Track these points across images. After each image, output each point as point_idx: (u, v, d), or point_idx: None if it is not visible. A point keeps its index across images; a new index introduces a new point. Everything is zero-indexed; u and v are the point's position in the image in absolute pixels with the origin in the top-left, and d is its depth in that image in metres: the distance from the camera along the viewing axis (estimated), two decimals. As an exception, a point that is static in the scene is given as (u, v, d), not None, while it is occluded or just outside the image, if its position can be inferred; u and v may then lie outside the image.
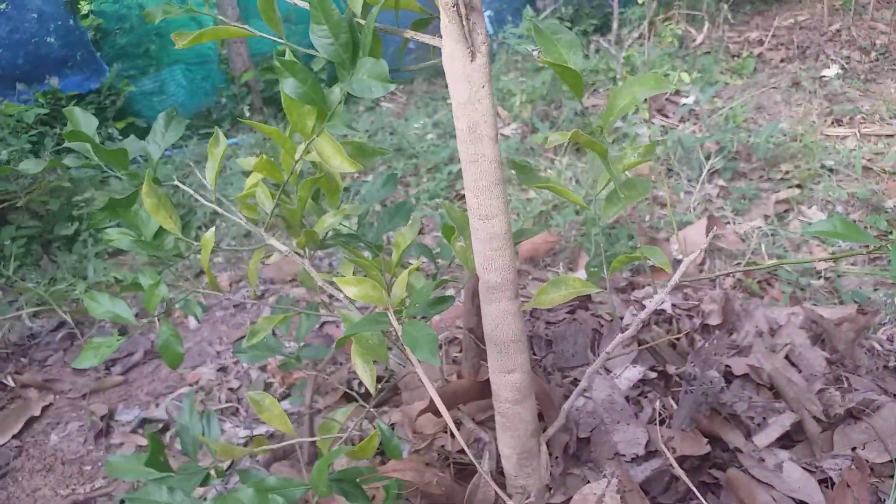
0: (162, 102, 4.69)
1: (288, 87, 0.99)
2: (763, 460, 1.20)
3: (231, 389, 1.92)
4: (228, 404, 1.86)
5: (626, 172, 1.05)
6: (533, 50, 0.87)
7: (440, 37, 0.94)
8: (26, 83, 4.08)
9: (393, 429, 1.34)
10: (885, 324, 1.84)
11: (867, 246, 2.33)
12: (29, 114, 3.28)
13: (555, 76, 3.99)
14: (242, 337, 2.21)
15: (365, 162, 1.09)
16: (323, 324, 2.17)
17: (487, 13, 6.02)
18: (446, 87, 5.45)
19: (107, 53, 4.51)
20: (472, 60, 0.91)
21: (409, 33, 0.99)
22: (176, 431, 1.08)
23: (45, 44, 4.31)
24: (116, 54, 4.54)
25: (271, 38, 1.12)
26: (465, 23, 0.89)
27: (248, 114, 4.72)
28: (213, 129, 4.19)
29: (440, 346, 1.69)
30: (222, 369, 2.05)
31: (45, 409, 2.01)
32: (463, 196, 3.17)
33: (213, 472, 1.04)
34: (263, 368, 2.00)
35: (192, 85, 4.78)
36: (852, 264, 2.22)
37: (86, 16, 4.46)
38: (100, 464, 1.78)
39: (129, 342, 2.23)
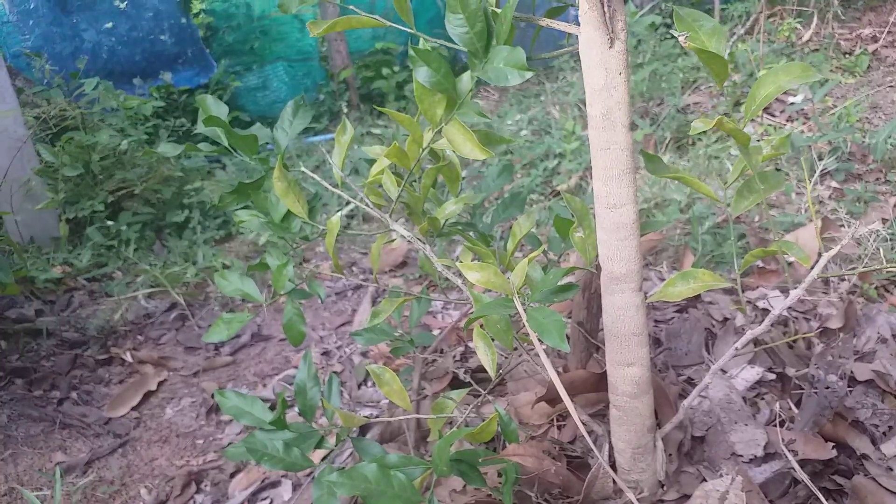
0: (265, 97, 4.87)
1: (421, 75, 1.01)
2: (892, 469, 1.14)
3: (335, 372, 1.97)
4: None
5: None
6: (679, 35, 0.86)
7: (577, 24, 0.94)
8: (142, 78, 4.32)
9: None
10: None
11: None
12: (147, 106, 3.46)
13: (654, 72, 3.91)
14: (346, 323, 2.27)
15: (492, 149, 1.10)
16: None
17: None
18: (539, 83, 5.42)
19: (215, 50, 4.72)
20: (610, 47, 0.91)
21: (545, 21, 1.00)
22: (294, 391, 1.12)
23: (159, 41, 4.55)
24: (224, 51, 4.75)
25: (402, 27, 1.15)
26: (605, 9, 0.88)
27: (345, 110, 4.84)
28: (313, 124, 4.31)
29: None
30: (326, 353, 2.11)
31: (160, 384, 2.13)
32: (557, 193, 3.15)
33: (331, 436, 1.07)
34: (365, 355, 2.05)
35: (294, 81, 4.94)
36: (983, 273, 2.08)
37: (197, 14, 4.68)
38: (211, 438, 1.87)
39: (237, 324, 2.32)
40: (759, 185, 0.96)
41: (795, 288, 1.88)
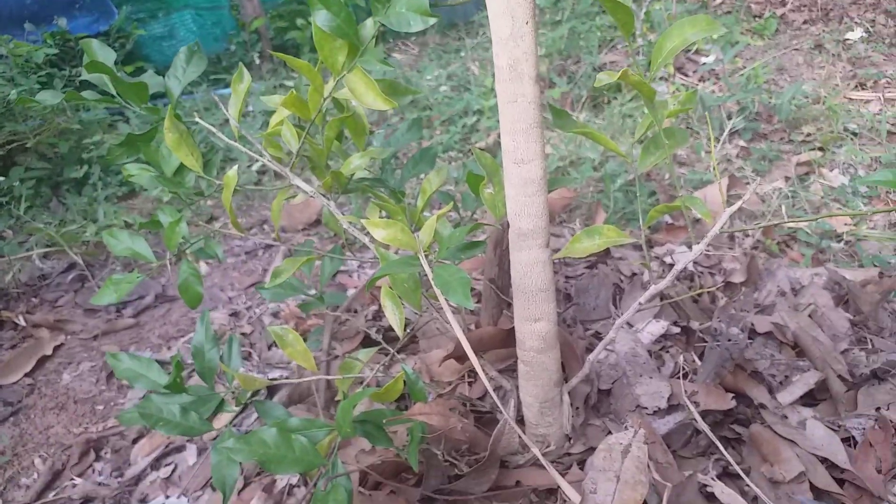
0: (171, 47, 4.61)
1: (320, 19, 0.95)
2: (786, 417, 1.19)
3: (244, 334, 1.91)
4: (241, 349, 1.86)
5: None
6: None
7: (482, -32, 0.90)
8: (34, 24, 4.00)
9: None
10: (906, 290, 1.82)
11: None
12: (38, 53, 3.21)
13: (572, 30, 3.91)
14: (256, 283, 2.20)
15: (396, 99, 1.05)
16: (336, 273, 2.16)
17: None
18: (460, 38, 5.34)
19: (116, -5, 4.42)
20: (515, -6, 0.87)
21: (449, -36, 0.95)
22: (191, 353, 1.07)
23: (52, -17, 4.23)
24: (125, -3, 4.45)
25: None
26: (510, -47, 0.84)
27: (258, 62, 4.64)
28: (222, 75, 4.11)
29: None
30: (234, 314, 2.04)
31: (56, 349, 2.01)
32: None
33: (230, 399, 1.03)
34: (276, 315, 1.99)
35: (203, 30, 4.70)
36: (872, 228, 2.19)
37: (95, -45, 4.35)
38: (112, 403, 1.78)
39: (140, 285, 2.21)
40: (664, 140, 0.96)
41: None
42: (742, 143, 2.76)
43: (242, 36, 4.70)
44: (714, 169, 0.99)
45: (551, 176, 2.64)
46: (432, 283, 0.89)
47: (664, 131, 1.01)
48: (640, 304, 0.99)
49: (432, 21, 0.89)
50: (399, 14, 0.92)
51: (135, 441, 1.61)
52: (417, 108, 3.63)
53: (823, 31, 4.66)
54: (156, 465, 1.51)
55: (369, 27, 0.99)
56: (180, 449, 1.54)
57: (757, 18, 5.04)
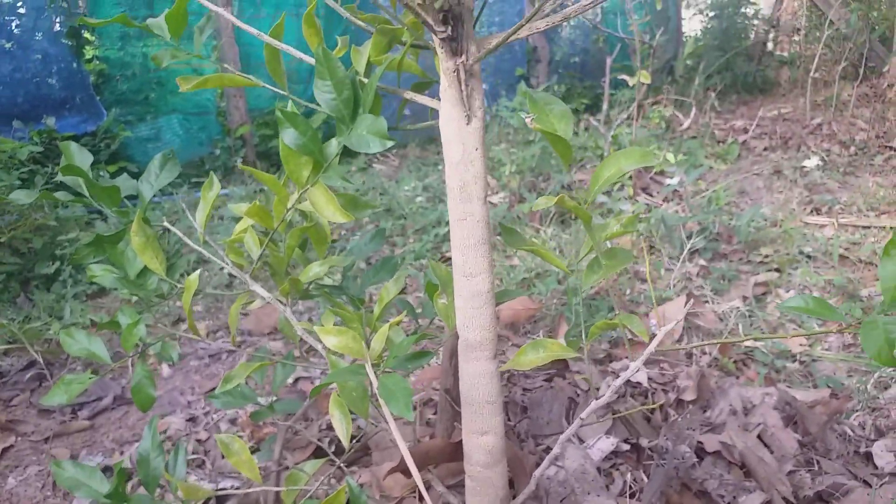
0: (156, 149, 4.74)
1: (287, 137, 1.01)
2: (734, 539, 1.19)
3: (199, 441, 1.88)
4: (195, 456, 1.82)
5: (608, 242, 1.08)
6: (526, 117, 0.91)
7: (439, 100, 0.97)
8: (24, 121, 4.12)
9: (363, 490, 1.32)
10: (857, 410, 1.85)
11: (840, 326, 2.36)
12: (22, 150, 3.30)
13: (544, 149, 4.09)
14: (216, 387, 2.18)
15: (356, 213, 1.11)
16: (297, 379, 2.15)
17: (483, 86, 6.20)
18: (438, 153, 5.59)
19: (107, 98, 4.57)
20: (467, 124, 0.94)
21: (409, 94, 1.03)
22: (136, 461, 1.05)
23: (46, 84, 4.38)
24: (116, 99, 4.61)
25: (274, 89, 1.16)
26: (463, 88, 0.92)
27: (240, 166, 4.78)
28: (204, 178, 4.24)
29: (415, 407, 1.68)
30: (192, 419, 2.01)
31: (5, 450, 1.95)
32: (448, 259, 3.20)
33: (175, 517, 1.01)
34: (233, 422, 1.97)
35: (188, 134, 4.85)
36: (827, 350, 2.25)
37: (90, 60, 4.54)
38: (56, 509, 1.72)
39: (99, 386, 2.18)
40: (603, 261, 1.01)
41: (662, 360, 1.97)
42: (702, 261, 2.86)
43: (227, 141, 4.85)
44: (649, 291, 1.04)
45: (518, 287, 2.70)
46: (377, 392, 0.91)
47: (607, 252, 1.07)
48: (581, 419, 1.01)
49: (389, 144, 0.96)
50: (360, 136, 0.98)
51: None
52: (393, 216, 3.72)
53: (782, 157, 4.92)
54: (93, 575, 1.45)
55: (334, 146, 1.06)
56: (120, 559, 1.48)
57: (720, 144, 5.33)
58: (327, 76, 1.00)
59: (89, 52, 4.60)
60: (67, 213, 3.27)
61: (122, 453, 1.89)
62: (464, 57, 0.91)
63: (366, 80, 1.03)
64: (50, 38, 4.39)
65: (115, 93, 4.65)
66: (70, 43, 4.38)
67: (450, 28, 0.87)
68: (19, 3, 4.31)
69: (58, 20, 4.43)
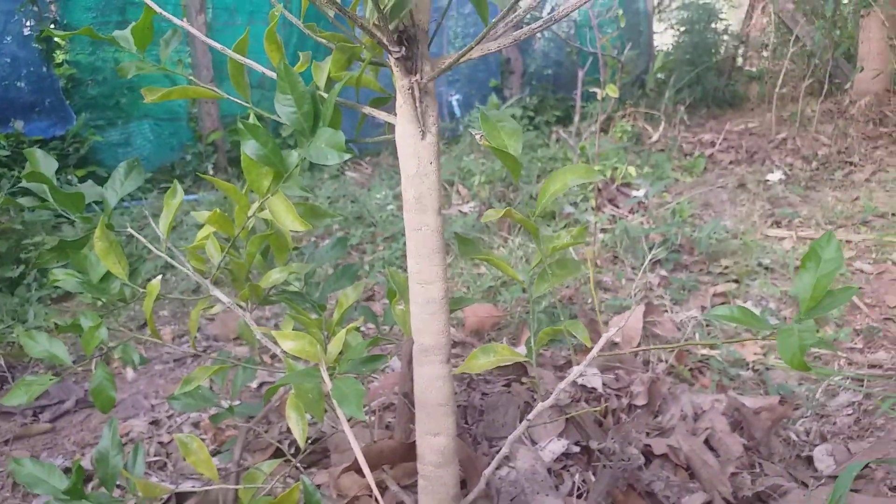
0: (126, 154, 4.72)
1: (248, 148, 1.05)
2: (676, 538, 1.24)
3: (161, 443, 1.89)
4: (157, 458, 1.83)
5: (572, 251, 1.12)
6: (476, 133, 0.95)
7: (395, 114, 1.02)
8: (-8, 124, 4.09)
9: (318, 489, 1.35)
10: (805, 417, 1.93)
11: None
12: (-11, 153, 3.28)
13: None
14: (170, 397, 2.19)
15: (315, 222, 1.14)
16: (261, 384, 2.17)
17: (456, 97, 6.27)
18: (409, 161, 5.56)
19: (77, 102, 4.55)
20: (422, 139, 0.99)
21: (368, 109, 1.07)
22: (95, 459, 1.08)
23: (14, 88, 4.35)
24: (86, 104, 4.59)
25: (238, 101, 1.20)
26: (418, 105, 0.97)
27: (211, 172, 4.78)
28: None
29: (374, 412, 1.71)
30: (154, 423, 2.02)
31: (-35, 452, 1.95)
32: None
33: (132, 512, 1.04)
34: (196, 425, 1.98)
35: (159, 140, 4.84)
36: (779, 358, 2.32)
37: (60, 64, 4.52)
38: (17, 512, 1.72)
39: (61, 389, 2.18)
40: (550, 270, 1.06)
41: (619, 366, 2.02)
42: (664, 272, 2.93)
43: (199, 147, 4.85)
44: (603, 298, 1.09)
45: (484, 294, 2.75)
46: (330, 394, 0.94)
47: (557, 262, 1.12)
48: (528, 420, 1.06)
49: (347, 156, 1.00)
50: (319, 148, 1.02)
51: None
52: (363, 223, 3.76)
53: (747, 171, 5.05)
54: (52, 577, 1.46)
55: (294, 157, 1.09)
56: (80, 561, 1.49)
57: (688, 157, 5.44)
58: (288, 90, 1.04)
59: (60, 57, 4.57)
60: (33, 217, 3.25)
61: (83, 455, 1.90)
62: (418, 76, 0.95)
63: (326, 95, 1.07)
64: (20, 41, 4.36)
65: (85, 97, 4.63)
66: (40, 47, 4.36)
67: (404, 48, 0.91)
68: (-11, 7, 4.29)
69: (28, 24, 4.41)
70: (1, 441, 1.97)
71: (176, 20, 1.20)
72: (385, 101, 1.16)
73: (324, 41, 1.11)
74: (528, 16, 0.94)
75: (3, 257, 2.99)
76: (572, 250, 2.97)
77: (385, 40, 0.92)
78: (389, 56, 0.96)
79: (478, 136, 0.95)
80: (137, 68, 1.24)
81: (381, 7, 0.89)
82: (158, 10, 1.18)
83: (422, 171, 1.01)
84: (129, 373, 2.29)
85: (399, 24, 0.93)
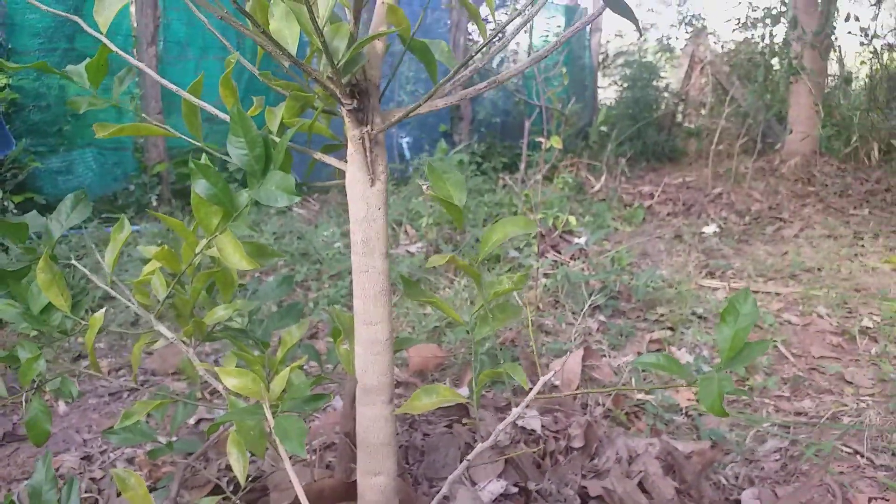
0: (67, 182, 4.62)
1: (199, 187, 1.07)
2: (607, 579, 1.28)
3: (93, 479, 1.84)
4: (88, 495, 1.78)
5: (516, 295, 1.17)
6: (423, 184, 1.00)
7: (346, 161, 1.06)
8: (-75, 146, 3.96)
9: (257, 528, 1.34)
10: (734, 461, 2.00)
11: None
12: (-78, 177, 3.17)
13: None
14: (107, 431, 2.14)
15: (262, 261, 1.17)
16: (199, 420, 2.14)
17: (406, 139, 6.36)
18: (358, 201, 5.60)
19: (17, 127, 4.45)
20: (371, 185, 1.03)
21: (318, 155, 1.11)
22: (27, 493, 1.06)
23: (-49, 110, 4.24)
24: (28, 129, 4.49)
25: (190, 140, 1.22)
26: (368, 154, 1.01)
27: (155, 204, 4.72)
28: (116, 214, 4.18)
29: (315, 451, 1.71)
30: (87, 458, 1.97)
31: None
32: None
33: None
34: (131, 461, 1.94)
35: (102, 169, 4.76)
36: (710, 405, 2.41)
37: (2, 89, 4.43)
38: (-69, 553, 1.65)
39: (-13, 423, 2.11)
40: (491, 315, 1.11)
41: (558, 409, 2.07)
42: (602, 317, 3.02)
43: (143, 178, 4.78)
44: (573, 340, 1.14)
45: (429, 335, 2.77)
46: (273, 431, 0.96)
47: (498, 306, 1.16)
48: (468, 460, 1.09)
49: (296, 199, 1.03)
50: (269, 191, 1.05)
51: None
52: (309, 260, 3.76)
53: (684, 223, 5.25)
54: None
55: (244, 198, 1.12)
56: None
57: (627, 207, 5.63)
58: (241, 133, 1.07)
59: (1, 81, 4.48)
60: (-34, 244, 3.15)
61: (10, 490, 1.83)
62: (369, 127, 1.00)
63: (277, 140, 1.10)
64: (-40, 63, 4.26)
65: (26, 122, 4.53)
66: (-18, 70, 4.27)
67: (356, 101, 0.96)
68: (-70, 28, 4.19)
69: (-31, 47, 4.32)
70: (-81, 476, 1.89)
71: (132, 59, 1.23)
72: (336, 147, 1.20)
73: (279, 89, 1.15)
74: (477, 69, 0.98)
75: (-69, 284, 2.88)
76: (516, 294, 3.04)
77: (338, 93, 0.97)
78: (342, 107, 1.01)
79: (424, 187, 1.00)
80: (90, 104, 1.26)
81: (335, 63, 0.93)
82: (114, 48, 1.20)
83: (370, 216, 1.05)
84: (62, 406, 2.22)
85: (352, 78, 0.98)
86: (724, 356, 0.85)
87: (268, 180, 1.06)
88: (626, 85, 8.02)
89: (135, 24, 4.80)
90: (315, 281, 3.52)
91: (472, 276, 1.02)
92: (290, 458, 1.31)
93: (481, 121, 6.82)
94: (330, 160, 1.10)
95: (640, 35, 1.52)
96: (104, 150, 4.78)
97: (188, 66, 5.04)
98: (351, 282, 3.46)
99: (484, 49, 0.92)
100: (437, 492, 1.50)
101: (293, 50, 0.96)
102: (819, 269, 3.98)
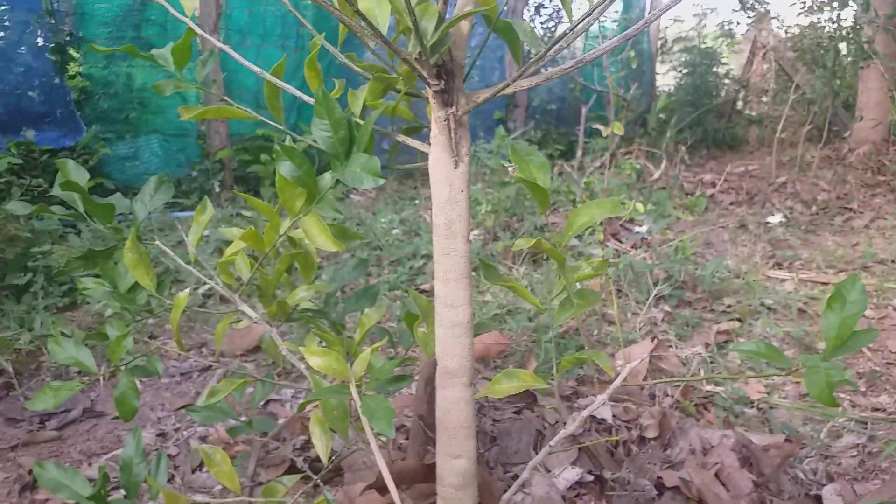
0: (134, 168, 4.76)
1: (284, 168, 1.08)
2: (686, 571, 1.25)
3: (169, 456, 1.89)
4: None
5: (579, 283, 1.15)
6: (508, 166, 0.99)
7: (429, 143, 1.05)
8: (2, 133, 4.12)
9: (333, 508, 1.36)
10: (810, 456, 1.94)
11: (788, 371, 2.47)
12: (2, 161, 3.30)
13: (519, 191, 4.20)
14: (187, 405, 2.19)
15: (346, 243, 1.17)
16: (268, 402, 2.18)
17: (462, 126, 6.33)
18: (415, 187, 5.66)
19: (87, 114, 4.60)
20: (455, 167, 1.02)
21: (402, 137, 1.11)
22: (119, 466, 1.09)
23: (26, 97, 4.40)
24: (97, 116, 4.64)
25: (273, 123, 1.23)
26: (452, 135, 1.00)
27: (217, 190, 4.81)
28: (180, 199, 4.26)
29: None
30: (161, 435, 2.02)
31: (-31, 458, 1.94)
32: (423, 290, 3.25)
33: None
34: (204, 439, 1.98)
35: (167, 155, 4.88)
36: (784, 398, 2.34)
37: (73, 76, 4.57)
38: (19, 521, 1.72)
39: (68, 398, 2.18)
40: (573, 300, 1.09)
41: (626, 399, 2.04)
42: (667, 308, 2.96)
43: (206, 164, 4.88)
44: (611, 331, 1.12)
45: (489, 321, 2.77)
46: (359, 411, 0.96)
47: (578, 292, 1.15)
48: (550, 446, 1.07)
49: (382, 181, 1.03)
50: (354, 173, 1.05)
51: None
52: (369, 247, 3.78)
53: (748, 212, 5.10)
54: (56, 587, 1.46)
55: (327, 180, 1.12)
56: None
57: (689, 196, 5.50)
58: (325, 115, 1.07)
59: (73, 69, 4.63)
60: (42, 226, 3.27)
61: (90, 465, 1.90)
62: (454, 108, 0.99)
63: (361, 122, 1.10)
64: (34, 52, 4.42)
65: (96, 110, 4.68)
66: (54, 58, 4.41)
67: (442, 82, 0.95)
68: (5, 18, 4.35)
69: (42, 35, 4.47)
70: (7, 447, 1.97)
71: (217, 42, 1.24)
72: (417, 130, 1.20)
73: (361, 71, 1.15)
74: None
75: (10, 264, 3.00)
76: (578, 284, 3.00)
77: (425, 74, 0.96)
78: (427, 88, 1.00)
79: (510, 168, 0.98)
80: (175, 86, 1.28)
81: (424, 43, 0.92)
82: (200, 31, 1.22)
83: (453, 197, 1.04)
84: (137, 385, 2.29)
85: (439, 59, 0.97)
86: (829, 344, 0.81)
87: (352, 162, 1.06)
88: (685, 71, 7.82)
89: (197, 13, 4.89)
90: (375, 267, 3.54)
91: (557, 260, 1.00)
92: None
93: (536, 108, 6.75)
94: (413, 142, 1.09)
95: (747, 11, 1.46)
96: (168, 137, 4.90)
97: (248, 54, 5.11)
98: (411, 268, 3.47)
99: (566, 32, 0.90)
100: (512, 477, 1.49)
101: (384, 30, 0.95)
102: (893, 262, 3.82)
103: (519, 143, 1.06)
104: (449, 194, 1.04)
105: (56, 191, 1.31)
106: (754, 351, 0.89)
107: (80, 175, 1.35)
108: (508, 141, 1.17)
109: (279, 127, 1.22)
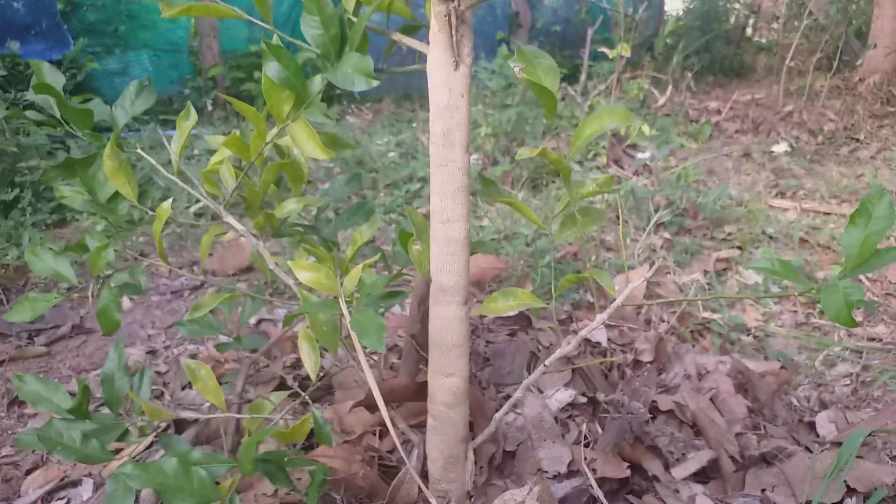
0: (123, 83, 4.60)
1: (271, 70, 1.00)
2: (678, 491, 1.25)
3: (158, 373, 1.88)
4: (154, 387, 1.82)
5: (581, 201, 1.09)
6: (515, 66, 0.91)
7: (428, 44, 0.97)
8: (-15, 44, 3.97)
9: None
10: (804, 384, 1.94)
11: (794, 304, 2.45)
12: (-15, 73, 3.18)
13: (520, 114, 4.09)
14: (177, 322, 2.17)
15: (336, 151, 1.11)
16: (259, 321, 2.16)
17: (463, 45, 6.14)
18: (413, 110, 5.52)
19: (74, 27, 4.42)
20: (455, 69, 0.94)
21: (398, 36, 1.02)
22: (101, 380, 1.06)
23: (10, 7, 4.21)
24: (84, 29, 4.46)
25: (260, 23, 1.14)
26: (454, 33, 0.92)
27: (210, 108, 4.69)
28: (172, 116, 4.16)
29: (379, 353, 1.70)
30: (151, 352, 2.01)
31: (-42, 372, 1.93)
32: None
33: (134, 429, 1.02)
34: (194, 356, 1.97)
35: (158, 71, 4.73)
36: (780, 326, 2.33)
37: (58, -14, 4.38)
38: (10, 432, 1.71)
39: (57, 314, 2.16)
40: (578, 216, 1.03)
41: (622, 323, 2.02)
42: (667, 235, 2.91)
43: (198, 81, 4.74)
44: (621, 255, 1.07)
45: (487, 241, 2.72)
46: (349, 326, 0.92)
47: (582, 209, 1.09)
48: (545, 365, 1.04)
49: (375, 83, 0.96)
50: (345, 74, 0.98)
51: (28, 472, 1.54)
52: (365, 168, 3.71)
53: (752, 141, 5.00)
54: (48, 498, 1.45)
55: (317, 82, 1.05)
56: (76, 483, 1.48)
57: (693, 123, 5.38)
58: (315, 12, 0.99)
59: (58, -23, 4.43)
60: (29, 141, 3.18)
61: (78, 381, 1.88)
62: (456, 2, 0.90)
63: (354, 19, 1.02)
64: (17, -40, 4.21)
65: (83, 22, 4.50)
66: (38, -34, 4.21)
67: (445, -31, 0.86)
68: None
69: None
70: (-5, 362, 1.95)
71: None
72: (415, 29, 1.11)
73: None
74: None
75: (-3, 180, 2.93)
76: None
77: (426, -40, 0.87)
78: (427, -21, 0.92)
79: (517, 69, 0.91)
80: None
81: (425, -77, 0.84)
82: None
83: (452, 103, 0.97)
84: (126, 302, 2.26)
85: (441, -56, 0.88)
86: (850, 262, 0.76)
87: (344, 62, 0.98)
88: (694, -6, 7.55)
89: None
90: (371, 190, 3.48)
91: (562, 172, 0.94)
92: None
93: (540, 29, 6.53)
94: (410, 41, 1.01)
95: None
96: (160, 52, 4.74)
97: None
98: (407, 191, 3.41)
99: None
100: (504, 397, 1.47)
101: (377, -90, 0.86)
102: (897, 193, 3.76)
103: (528, 46, 0.98)
104: (448, 99, 0.97)
105: (31, 95, 1.23)
106: (769, 269, 0.84)
107: (56, 78, 1.27)
108: (521, 45, 1.08)
109: (268, 28, 1.14)
